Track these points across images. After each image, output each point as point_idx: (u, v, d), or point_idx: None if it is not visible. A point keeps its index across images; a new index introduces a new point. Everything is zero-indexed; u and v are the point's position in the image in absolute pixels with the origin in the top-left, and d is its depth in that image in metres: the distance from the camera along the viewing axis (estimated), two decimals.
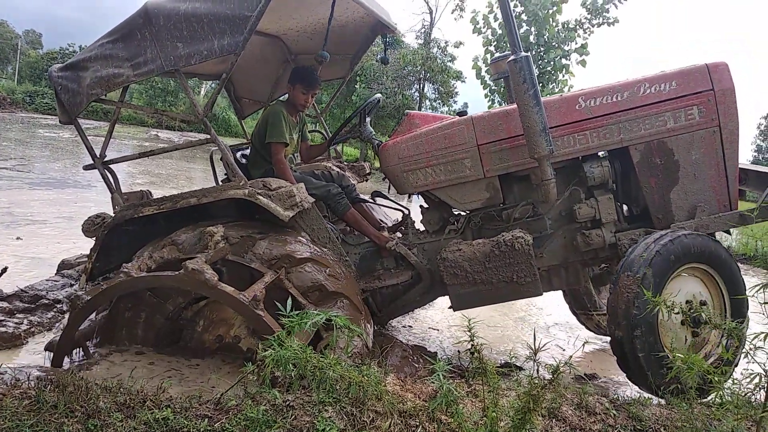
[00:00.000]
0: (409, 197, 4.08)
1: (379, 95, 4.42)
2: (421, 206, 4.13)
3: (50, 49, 45.70)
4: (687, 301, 3.20)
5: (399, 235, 4.12)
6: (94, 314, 3.25)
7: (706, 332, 3.21)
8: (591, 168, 3.69)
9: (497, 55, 4.59)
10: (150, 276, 2.96)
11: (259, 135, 4.04)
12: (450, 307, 3.72)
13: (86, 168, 3.69)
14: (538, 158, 3.43)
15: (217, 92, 3.68)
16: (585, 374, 3.93)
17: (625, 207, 4.01)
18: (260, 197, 3.30)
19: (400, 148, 3.84)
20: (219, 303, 3.22)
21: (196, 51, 3.22)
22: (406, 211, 4.16)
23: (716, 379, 2.28)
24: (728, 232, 3.67)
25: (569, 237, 3.80)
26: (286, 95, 4.23)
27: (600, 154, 3.78)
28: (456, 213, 4.04)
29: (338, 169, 4.61)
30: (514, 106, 3.56)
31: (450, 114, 4.68)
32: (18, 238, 6.59)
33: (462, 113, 3.99)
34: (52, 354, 3.04)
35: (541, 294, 3.62)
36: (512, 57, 3.37)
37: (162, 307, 3.24)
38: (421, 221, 4.09)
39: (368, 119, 4.20)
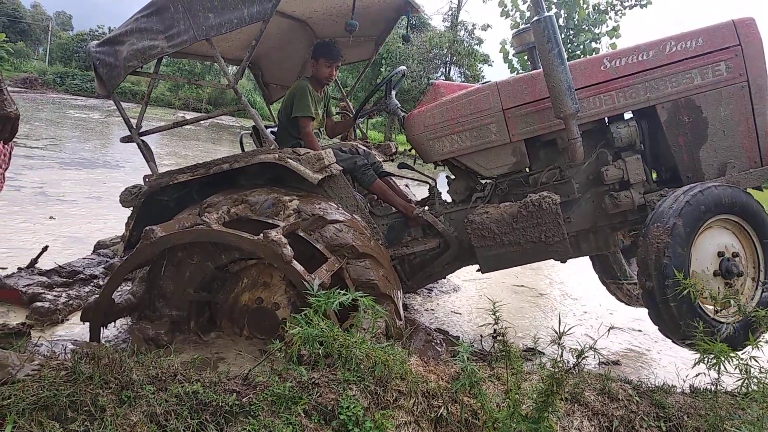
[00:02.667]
0: (435, 167, 4.08)
1: (403, 67, 4.41)
2: (447, 177, 4.14)
3: (80, 30, 46.29)
4: (719, 253, 3.18)
5: (426, 207, 4.14)
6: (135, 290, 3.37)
7: (739, 284, 3.17)
8: (618, 129, 3.65)
9: (520, 28, 4.54)
10: (229, 233, 2.99)
11: (285, 111, 4.11)
12: (478, 270, 3.74)
13: (123, 140, 3.81)
14: (564, 117, 3.40)
15: (247, 59, 3.73)
16: (609, 360, 3.93)
17: (654, 174, 3.96)
18: (290, 161, 3.39)
19: (425, 117, 3.84)
20: (269, 267, 3.32)
21: (227, 20, 3.33)
22: (433, 182, 4.16)
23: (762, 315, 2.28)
24: (759, 189, 3.60)
25: (597, 200, 3.77)
26: (311, 72, 4.28)
27: (626, 115, 3.74)
28: (482, 181, 4.03)
29: (365, 147, 4.63)
30: (539, 70, 3.56)
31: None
32: (51, 218, 6.76)
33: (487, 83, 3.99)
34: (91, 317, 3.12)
35: (571, 255, 3.61)
36: (536, 17, 3.35)
37: (216, 255, 3.32)
38: (448, 192, 4.10)
39: (393, 92, 4.21)
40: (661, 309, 3.10)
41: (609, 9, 15.22)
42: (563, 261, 3.74)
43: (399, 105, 4.19)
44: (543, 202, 3.42)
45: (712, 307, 3.05)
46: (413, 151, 4.07)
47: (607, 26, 15.09)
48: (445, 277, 4.56)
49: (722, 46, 3.48)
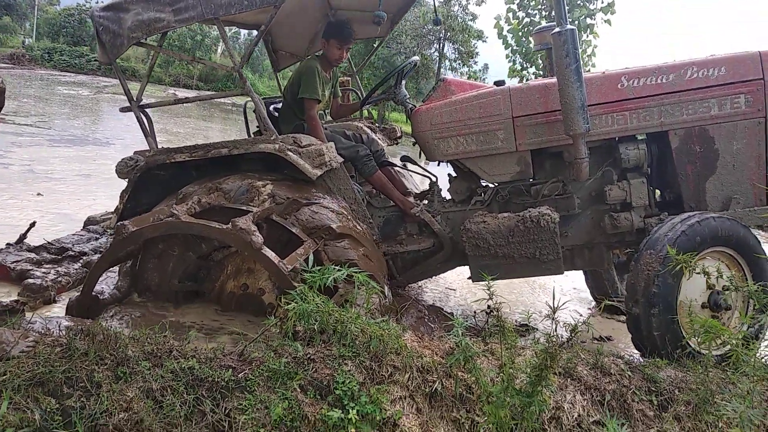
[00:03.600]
0: (438, 164, 4.04)
1: (416, 58, 4.36)
2: (449, 174, 4.11)
3: (67, 5, 45.37)
4: (710, 286, 3.14)
5: (425, 202, 4.12)
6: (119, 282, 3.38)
7: (726, 317, 3.13)
8: (627, 150, 3.60)
9: (542, 24, 4.47)
10: (198, 224, 3.01)
11: (292, 89, 4.05)
12: (469, 278, 3.73)
13: (122, 110, 3.78)
14: (573, 136, 3.36)
15: (255, 44, 3.69)
16: (602, 336, 3.97)
17: (657, 192, 3.93)
18: (290, 153, 3.34)
19: (433, 114, 3.78)
20: None
21: (237, 0, 3.24)
22: (434, 178, 4.15)
23: (733, 341, 2.29)
24: (762, 228, 3.57)
25: (597, 218, 3.74)
26: (321, 51, 4.21)
27: (637, 136, 3.69)
28: (484, 184, 4.00)
29: (369, 131, 4.60)
30: (553, 80, 3.47)
31: (480, 81, 4.60)
32: (39, 194, 6.70)
33: (500, 83, 3.91)
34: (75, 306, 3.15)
35: (563, 273, 3.59)
36: (557, 29, 3.27)
37: (197, 245, 3.32)
38: (448, 190, 4.07)
39: (403, 82, 4.16)
40: (644, 337, 3.09)
41: None
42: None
43: (408, 96, 4.14)
44: (542, 219, 3.38)
45: (696, 339, 3.02)
46: (417, 145, 4.02)
47: (602, 2, 14.95)
48: (436, 275, 4.57)
49: (744, 78, 3.40)
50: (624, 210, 3.66)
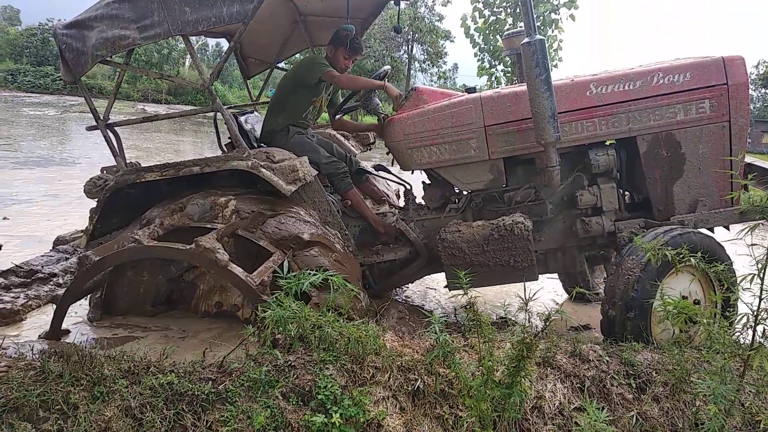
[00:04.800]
0: (412, 172, 4.06)
1: (387, 67, 4.37)
2: (423, 182, 4.13)
3: (29, 25, 44.52)
4: (683, 297, 3.18)
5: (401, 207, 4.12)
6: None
7: (693, 330, 3.16)
8: (596, 155, 3.66)
9: (511, 31, 4.50)
10: (161, 246, 2.99)
11: (284, 89, 4.05)
12: (446, 286, 3.75)
13: (89, 129, 3.71)
14: (544, 144, 3.40)
15: (224, 60, 3.66)
16: (579, 324, 4.02)
17: (627, 194, 4.00)
18: (263, 170, 3.31)
19: (406, 124, 3.80)
20: None
21: (204, 17, 3.20)
22: (408, 186, 4.16)
23: (704, 321, 2.34)
24: (728, 228, 3.65)
25: (569, 222, 3.81)
26: (299, 55, 4.20)
27: (606, 141, 3.74)
28: (458, 191, 4.04)
29: (342, 138, 4.60)
30: (523, 87, 3.51)
31: (455, 90, 4.60)
32: (5, 218, 6.57)
33: (471, 90, 3.95)
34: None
35: (537, 279, 3.63)
36: (526, 39, 3.30)
37: (166, 269, 3.29)
38: (423, 197, 4.10)
39: (375, 91, 4.17)
40: (617, 340, 3.14)
41: None
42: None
43: (380, 104, 4.16)
44: (515, 227, 3.42)
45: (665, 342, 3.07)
46: (390, 155, 4.03)
47: None
48: (413, 282, 4.60)
49: (709, 84, 3.47)
50: (595, 214, 3.74)
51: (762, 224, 2.27)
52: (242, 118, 4.45)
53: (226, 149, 4.50)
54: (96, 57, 3.45)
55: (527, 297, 2.06)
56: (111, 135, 3.65)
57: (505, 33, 4.36)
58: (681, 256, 2.59)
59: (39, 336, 3.17)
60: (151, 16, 3.27)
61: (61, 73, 3.68)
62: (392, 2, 4.66)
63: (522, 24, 3.35)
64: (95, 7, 3.48)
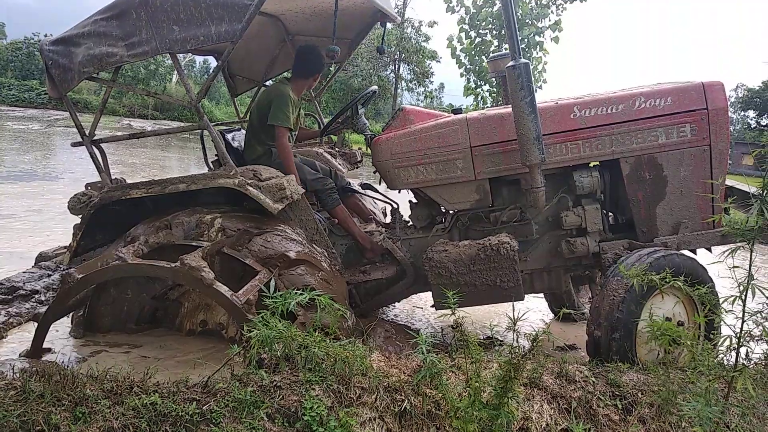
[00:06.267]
0: (399, 191, 4.08)
1: (375, 87, 4.40)
2: (410, 201, 4.14)
3: (14, 39, 44.24)
4: (667, 318, 3.20)
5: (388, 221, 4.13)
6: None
7: (677, 351, 3.18)
8: (581, 177, 3.70)
9: (495, 54, 4.55)
10: (146, 264, 2.96)
11: (259, 112, 4.01)
12: (433, 305, 3.75)
13: (74, 144, 3.69)
14: (529, 166, 3.45)
15: (212, 78, 3.66)
16: (565, 345, 4.03)
17: (611, 214, 4.05)
18: (250, 188, 3.30)
19: (392, 144, 3.83)
20: None
21: (193, 36, 3.19)
22: (395, 205, 4.17)
23: (688, 342, 2.36)
24: (710, 250, 3.70)
25: (554, 243, 3.84)
26: (287, 73, 4.21)
27: (590, 163, 3.79)
28: (444, 211, 4.06)
29: (330, 157, 4.60)
30: (509, 109, 3.55)
31: (441, 109, 4.66)
32: None
33: (457, 111, 3.99)
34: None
35: (523, 299, 3.64)
36: (511, 63, 3.35)
37: (150, 286, 3.25)
38: (410, 216, 4.11)
39: (362, 110, 4.20)
40: (603, 359, 3.15)
41: (551, 3, 15.59)
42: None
43: (367, 124, 4.19)
44: (501, 247, 3.44)
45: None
46: (377, 173, 4.05)
47: (550, 20, 15.46)
48: (399, 301, 4.60)
49: (689, 108, 3.55)
50: (580, 235, 3.78)
51: (743, 247, 2.30)
52: (229, 136, 4.45)
53: (212, 166, 4.49)
54: (82, 74, 3.45)
55: (515, 317, 2.07)
56: (96, 151, 3.64)
57: (491, 55, 4.42)
58: (665, 278, 2.60)
59: (20, 354, 3.11)
60: (139, 34, 3.26)
61: (46, 88, 3.67)
62: (378, 23, 4.71)
63: (507, 46, 3.40)
64: (82, 24, 3.47)
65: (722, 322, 2.51)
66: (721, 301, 2.20)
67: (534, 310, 5.05)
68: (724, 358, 2.52)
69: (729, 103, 3.78)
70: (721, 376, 2.30)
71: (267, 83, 5.51)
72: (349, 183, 4.57)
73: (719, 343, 2.51)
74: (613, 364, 2.99)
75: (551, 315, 4.97)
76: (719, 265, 2.26)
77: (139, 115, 33.45)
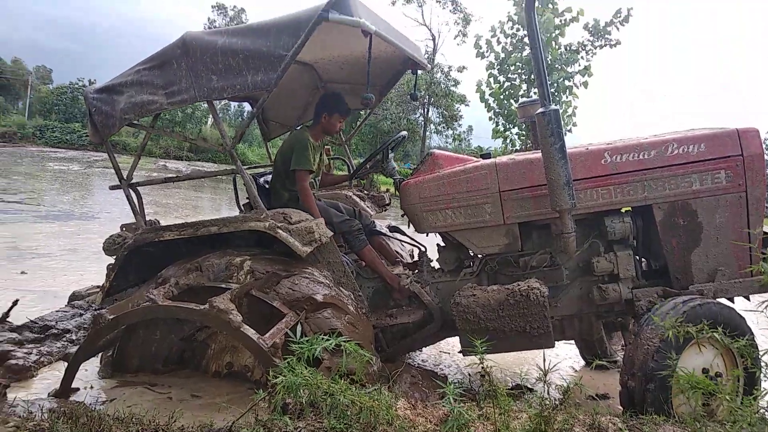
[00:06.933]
0: (427, 235, 4.07)
1: (404, 132, 4.46)
2: (438, 245, 4.13)
3: (60, 84, 46.42)
4: (704, 370, 3.10)
5: (415, 271, 4.10)
6: None
7: (715, 404, 3.04)
8: (612, 222, 3.65)
9: (524, 99, 4.60)
10: (175, 306, 2.99)
11: (283, 161, 4.09)
12: (461, 351, 3.68)
13: (112, 188, 3.82)
14: (560, 211, 3.41)
15: (246, 125, 3.76)
16: (597, 394, 3.89)
17: (644, 261, 3.96)
18: (280, 231, 3.34)
19: (421, 188, 3.84)
20: None
21: (230, 85, 3.28)
22: (423, 248, 4.15)
23: (726, 397, 2.26)
24: (748, 298, 3.58)
25: (585, 289, 3.76)
26: (311, 120, 4.29)
27: (622, 209, 3.74)
28: (473, 255, 4.01)
29: (358, 200, 4.65)
30: (538, 154, 3.55)
31: (470, 152, 4.69)
32: (23, 272, 6.64)
33: (486, 155, 4.00)
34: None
35: (554, 346, 3.56)
36: (541, 109, 3.36)
37: (178, 327, 3.28)
38: (437, 260, 4.08)
39: (392, 155, 4.26)
40: (637, 411, 3.02)
41: (580, 49, 15.73)
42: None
43: (396, 168, 4.24)
44: (531, 293, 3.38)
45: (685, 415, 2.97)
46: (405, 216, 4.05)
47: (579, 65, 15.56)
48: (426, 346, 4.52)
49: (724, 154, 3.49)
50: (612, 281, 3.69)
51: None
52: (261, 180, 4.54)
53: (243, 209, 4.56)
54: (124, 120, 3.59)
55: (545, 366, 2.01)
56: (133, 194, 3.75)
57: (520, 101, 4.45)
58: (701, 329, 2.51)
59: (49, 394, 3.14)
60: (179, 83, 3.38)
61: (88, 133, 3.82)
62: (410, 71, 4.80)
63: (536, 91, 3.42)
64: (126, 74, 3.64)
65: (763, 375, 2.41)
66: (761, 353, 2.11)
67: (565, 358, 4.92)
68: (766, 413, 2.40)
69: (765, 149, 3.70)
70: None
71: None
72: (375, 224, 4.59)
73: (760, 397, 2.41)
74: (647, 416, 2.88)
75: (582, 362, 4.82)
76: (758, 315, 2.17)
77: (174, 157, 34.49)
